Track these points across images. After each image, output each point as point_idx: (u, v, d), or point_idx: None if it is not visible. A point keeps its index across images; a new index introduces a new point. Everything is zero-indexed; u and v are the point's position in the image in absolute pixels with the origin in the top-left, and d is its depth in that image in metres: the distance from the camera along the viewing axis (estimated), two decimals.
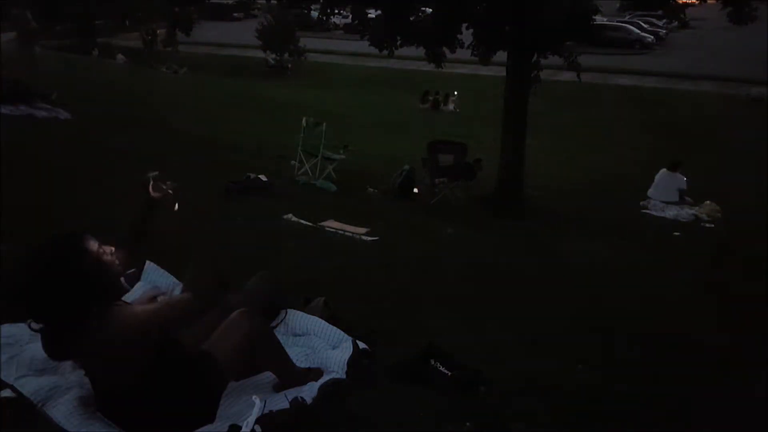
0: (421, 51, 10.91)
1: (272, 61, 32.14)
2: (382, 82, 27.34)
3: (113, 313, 2.14)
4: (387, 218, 7.61)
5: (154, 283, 3.31)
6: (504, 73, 10.65)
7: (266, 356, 2.58)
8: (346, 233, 6.10)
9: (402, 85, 26.16)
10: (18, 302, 2.18)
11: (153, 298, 2.77)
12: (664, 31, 36.98)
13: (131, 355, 2.14)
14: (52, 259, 2.12)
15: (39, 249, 2.16)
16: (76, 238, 2.20)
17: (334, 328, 3.09)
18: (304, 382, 2.60)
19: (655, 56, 32.48)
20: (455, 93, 23.64)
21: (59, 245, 2.17)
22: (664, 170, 10.44)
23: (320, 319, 3.15)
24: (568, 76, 11.14)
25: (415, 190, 10.39)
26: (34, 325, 2.14)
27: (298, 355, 2.85)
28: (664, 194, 10.28)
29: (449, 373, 2.86)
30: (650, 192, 10.48)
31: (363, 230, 6.25)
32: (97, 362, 2.18)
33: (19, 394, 2.36)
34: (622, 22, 35.59)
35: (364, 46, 11.36)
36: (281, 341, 2.69)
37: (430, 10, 10.61)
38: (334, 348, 2.96)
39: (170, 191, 2.55)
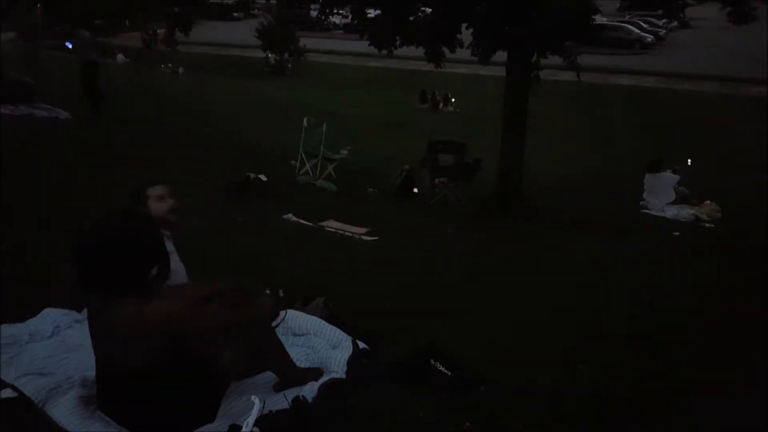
0: (421, 51, 10.90)
1: (272, 61, 32.10)
2: (382, 82, 27.28)
3: (147, 302, 2.14)
4: (387, 218, 7.61)
5: None
6: (504, 73, 10.63)
7: (266, 356, 2.58)
8: (346, 233, 6.12)
9: (402, 85, 26.10)
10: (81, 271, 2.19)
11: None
12: (664, 31, 37.01)
13: (144, 348, 2.13)
14: (117, 228, 2.23)
15: (107, 217, 2.29)
16: (141, 214, 2.48)
17: (334, 327, 3.09)
18: (304, 382, 2.60)
19: (655, 56, 32.46)
20: (453, 99, 23.61)
21: (126, 216, 2.33)
22: (647, 174, 10.40)
23: (320, 319, 3.15)
24: (568, 76, 11.14)
25: (415, 190, 10.40)
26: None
27: (298, 355, 2.85)
28: (657, 196, 10.25)
29: (449, 373, 2.86)
30: (645, 194, 10.46)
31: (363, 230, 6.26)
32: (112, 344, 2.16)
33: (20, 393, 2.36)
34: (622, 22, 35.63)
35: (364, 46, 11.33)
36: (281, 341, 2.69)
37: (430, 9, 10.61)
38: (334, 348, 2.96)
39: None
